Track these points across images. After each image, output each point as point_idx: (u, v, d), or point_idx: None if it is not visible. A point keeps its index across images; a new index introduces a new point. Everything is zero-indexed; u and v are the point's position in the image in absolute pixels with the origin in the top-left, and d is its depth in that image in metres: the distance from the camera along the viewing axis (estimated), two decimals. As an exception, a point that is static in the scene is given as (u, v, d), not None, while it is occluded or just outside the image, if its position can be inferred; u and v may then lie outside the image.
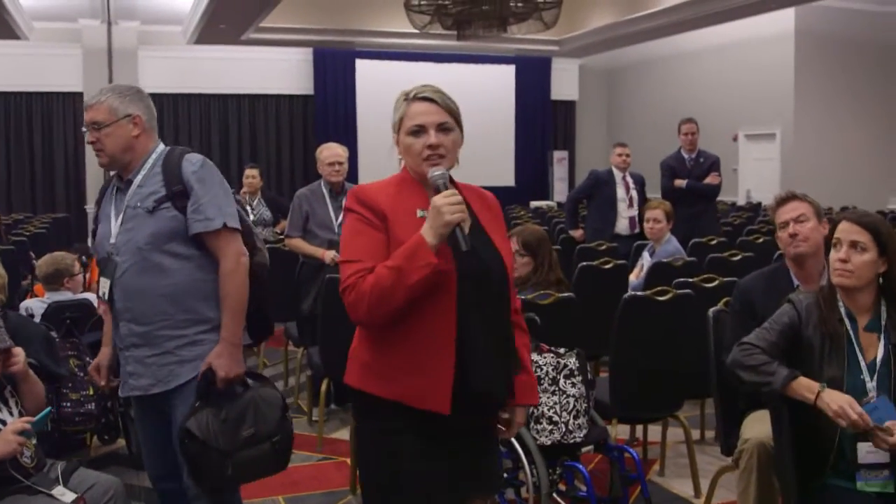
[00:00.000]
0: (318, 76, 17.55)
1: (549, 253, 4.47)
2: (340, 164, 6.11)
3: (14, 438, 2.97)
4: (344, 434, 5.66)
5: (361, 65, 17.77)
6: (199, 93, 16.81)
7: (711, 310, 3.91)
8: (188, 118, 16.90)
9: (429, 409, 2.40)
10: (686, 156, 8.61)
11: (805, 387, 2.91)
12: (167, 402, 3.17)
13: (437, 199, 2.36)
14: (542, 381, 3.71)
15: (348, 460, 5.06)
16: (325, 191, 6.15)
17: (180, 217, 3.09)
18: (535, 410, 3.69)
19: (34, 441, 3.17)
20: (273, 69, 17.31)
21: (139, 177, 3.18)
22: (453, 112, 2.60)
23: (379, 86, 17.46)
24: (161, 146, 3.29)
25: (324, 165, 6.14)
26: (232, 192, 3.26)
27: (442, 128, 2.55)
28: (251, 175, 9.10)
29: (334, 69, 17.60)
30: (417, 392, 2.42)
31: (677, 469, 4.96)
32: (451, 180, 2.55)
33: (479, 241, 2.52)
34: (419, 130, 2.54)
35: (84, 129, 3.23)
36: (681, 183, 8.38)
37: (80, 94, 16.03)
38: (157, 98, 16.69)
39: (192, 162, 3.14)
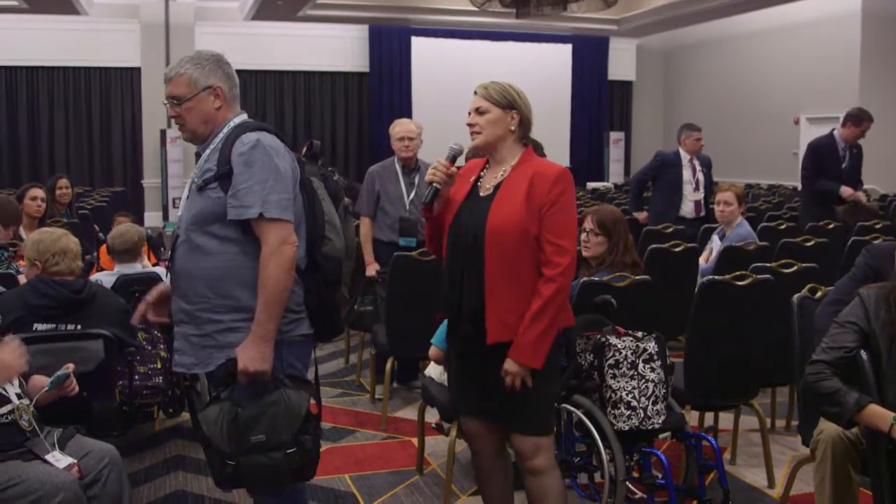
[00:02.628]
0: (373, 53, 17.52)
1: (624, 234, 4.36)
2: (411, 139, 6.02)
3: (19, 351, 3.15)
4: (408, 413, 5.61)
5: (417, 42, 17.70)
6: (255, 69, 16.82)
7: (796, 296, 3.79)
8: (244, 95, 16.72)
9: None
10: (841, 143, 8.05)
11: (877, 416, 2.86)
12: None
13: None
14: (620, 365, 3.62)
15: (413, 440, 5.02)
16: (397, 167, 6.07)
17: (224, 199, 2.90)
18: (613, 395, 3.60)
19: (32, 408, 3.21)
20: (329, 46, 17.31)
21: (207, 151, 3.05)
22: (491, 98, 3.26)
23: (434, 63, 17.45)
24: (238, 118, 3.10)
25: (395, 141, 6.06)
26: (320, 174, 3.17)
27: (478, 112, 3.27)
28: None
29: (390, 46, 17.55)
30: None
31: (748, 458, 4.85)
32: (529, 153, 3.31)
33: (483, 205, 3.22)
34: (468, 115, 3.31)
35: (164, 102, 3.10)
36: (854, 195, 7.96)
37: (138, 70, 16.19)
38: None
39: (244, 142, 2.91)
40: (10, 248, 5.23)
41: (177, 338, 3.04)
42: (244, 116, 3.14)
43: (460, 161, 3.35)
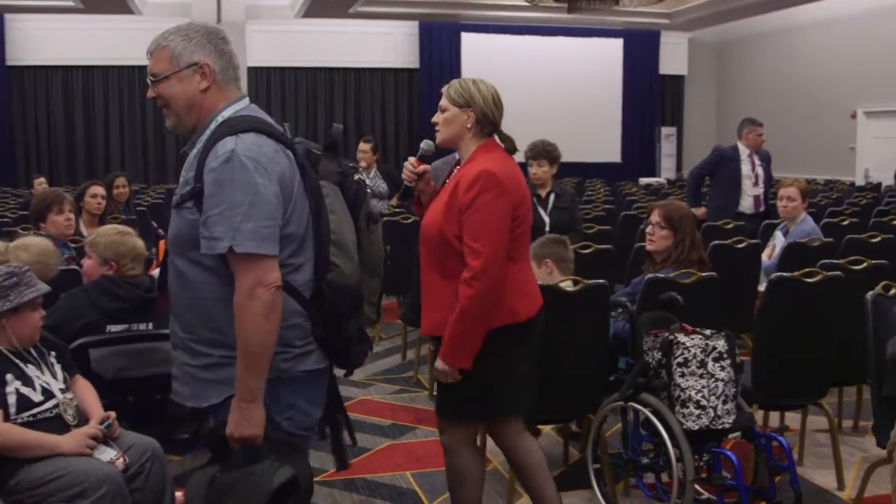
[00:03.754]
0: (423, 49, 17.54)
1: (691, 231, 4.30)
2: None
3: (85, 442, 3.03)
4: (467, 411, 5.57)
5: (467, 38, 17.68)
6: (306, 66, 16.92)
7: (870, 294, 3.70)
8: (294, 92, 17.04)
9: None
10: None
11: None
12: None
13: None
14: (689, 364, 3.55)
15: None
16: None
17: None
18: (682, 394, 3.54)
19: (73, 401, 3.19)
20: (379, 42, 17.34)
21: (193, 150, 2.53)
22: (450, 97, 3.31)
23: (484, 59, 17.38)
24: (231, 108, 2.55)
25: None
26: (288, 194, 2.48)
27: (440, 110, 3.35)
28: (363, 150, 9.06)
29: (440, 42, 17.54)
30: None
31: (815, 459, 4.74)
32: (485, 149, 3.33)
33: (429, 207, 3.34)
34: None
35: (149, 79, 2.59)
36: None
37: (191, 68, 16.24)
38: (264, 71, 17.17)
39: (217, 154, 2.38)
40: (72, 245, 5.26)
41: (174, 363, 2.62)
42: (241, 104, 2.58)
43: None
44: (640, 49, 18.67)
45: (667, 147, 18.90)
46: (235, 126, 2.45)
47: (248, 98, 2.64)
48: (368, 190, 8.40)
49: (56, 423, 3.09)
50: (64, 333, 3.53)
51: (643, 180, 15.87)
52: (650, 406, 3.62)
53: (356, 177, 2.71)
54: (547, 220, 5.90)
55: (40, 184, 10.85)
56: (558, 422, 4.62)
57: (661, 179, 16.72)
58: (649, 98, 18.96)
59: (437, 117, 3.36)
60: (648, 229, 4.39)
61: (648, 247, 4.40)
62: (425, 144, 3.38)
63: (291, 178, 2.50)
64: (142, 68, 13.79)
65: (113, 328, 3.59)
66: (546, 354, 3.96)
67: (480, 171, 3.19)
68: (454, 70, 17.52)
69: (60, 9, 14.97)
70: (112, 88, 16.44)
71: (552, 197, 5.99)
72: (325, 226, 2.57)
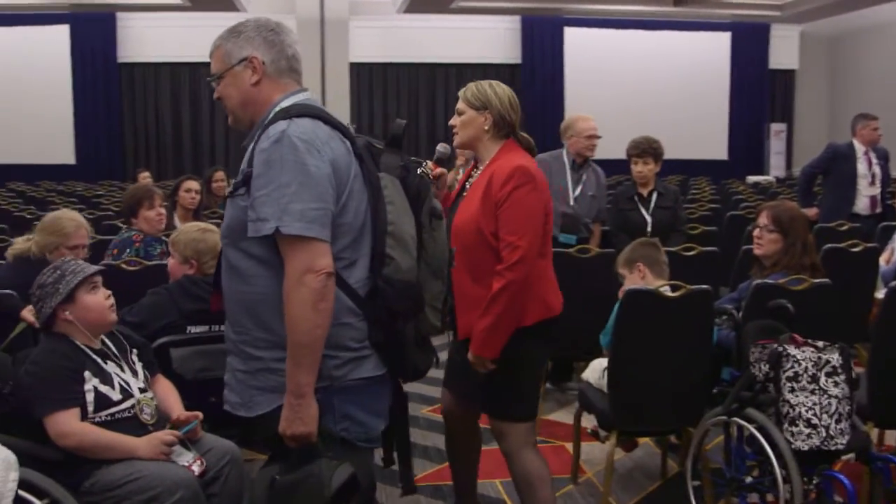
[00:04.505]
0: (525, 45, 17.29)
1: (803, 234, 4.05)
2: (599, 138, 5.80)
3: (161, 448, 2.97)
4: (561, 416, 5.41)
5: (570, 33, 17.37)
6: (408, 62, 16.89)
7: None
8: (396, 88, 17.04)
9: None
10: None
11: None
12: None
13: None
14: (799, 378, 3.31)
15: (567, 445, 4.81)
16: (566, 160, 5.82)
17: None
18: (791, 410, 3.30)
19: (153, 400, 3.14)
20: (481, 38, 17.16)
21: (252, 144, 2.45)
22: (466, 100, 3.39)
23: (588, 54, 17.14)
24: (288, 100, 2.47)
25: (580, 137, 5.78)
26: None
27: (457, 113, 3.42)
28: (463, 147, 8.95)
29: (542, 37, 17.27)
30: None
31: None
32: (507, 150, 3.39)
33: (455, 206, 3.40)
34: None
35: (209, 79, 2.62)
36: None
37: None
38: (367, 67, 17.21)
39: (269, 136, 2.32)
40: (164, 239, 5.26)
41: (227, 369, 2.55)
42: (300, 96, 2.51)
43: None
44: (749, 42, 18.04)
45: (776, 144, 18.24)
46: (290, 112, 2.38)
47: (309, 91, 2.57)
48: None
49: (134, 423, 3.05)
50: (147, 331, 3.51)
51: (751, 178, 15.35)
52: (756, 422, 3.39)
53: (419, 171, 2.57)
54: (649, 219, 5.71)
55: (144, 178, 11.04)
56: (657, 434, 4.42)
57: (770, 178, 16.16)
58: (758, 93, 18.31)
59: (455, 120, 3.43)
60: (756, 232, 4.16)
61: (756, 251, 4.16)
62: (441, 147, 3.34)
63: (347, 166, 2.40)
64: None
65: (194, 329, 3.54)
66: (645, 363, 3.79)
67: (515, 167, 3.25)
68: (556, 65, 17.29)
69: (169, 7, 15.25)
70: (218, 85, 16.70)
71: (654, 195, 5.79)
72: (382, 216, 2.44)
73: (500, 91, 3.38)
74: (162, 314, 3.59)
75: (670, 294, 3.76)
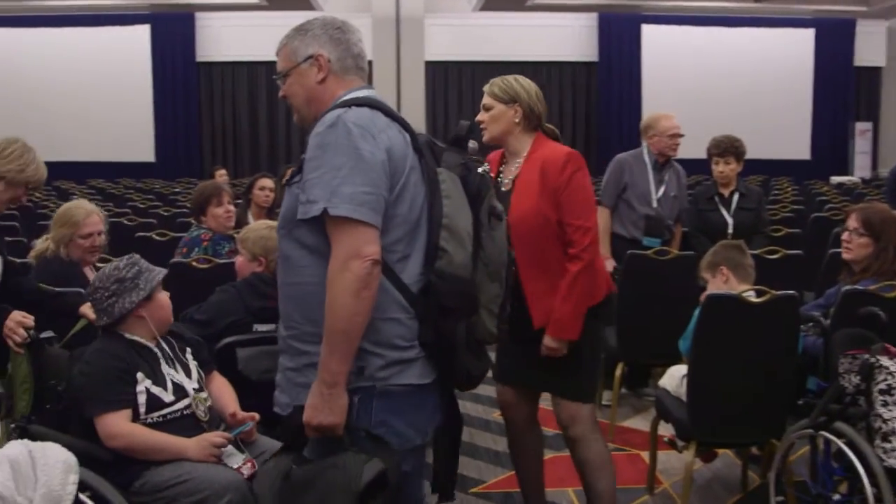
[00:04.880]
0: (602, 42, 17.11)
1: (894, 237, 3.85)
2: (682, 136, 5.62)
3: (211, 450, 2.92)
4: (637, 423, 5.26)
5: (648, 30, 17.14)
6: (483, 60, 16.79)
7: None
8: (472, 86, 16.94)
9: None
10: None
11: None
12: None
13: None
14: (893, 392, 3.12)
15: (643, 453, 4.67)
16: (647, 160, 5.65)
17: None
18: (884, 425, 3.12)
19: (207, 400, 3.10)
20: (557, 35, 17.04)
21: None
22: (494, 94, 3.45)
23: (665, 52, 16.93)
24: (352, 94, 2.42)
25: (662, 136, 5.60)
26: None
27: (485, 109, 3.48)
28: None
29: (619, 34, 17.07)
30: None
31: None
32: (538, 141, 3.47)
33: (508, 199, 3.32)
34: None
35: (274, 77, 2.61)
36: None
37: (370, 63, 16.40)
38: (442, 65, 17.21)
39: (324, 122, 2.29)
40: (233, 237, 5.25)
41: (279, 369, 2.47)
42: (364, 92, 2.45)
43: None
44: (833, 39, 17.54)
45: (861, 144, 17.72)
46: (349, 101, 2.34)
47: (373, 89, 2.51)
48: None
49: (188, 422, 3.01)
50: (213, 329, 3.48)
51: (835, 179, 14.92)
52: (845, 437, 3.21)
53: (480, 169, 2.46)
54: (730, 220, 5.51)
55: (221, 175, 11.12)
56: (738, 446, 4.25)
57: (855, 178, 15.69)
58: (843, 91, 17.79)
59: (482, 116, 3.47)
60: (845, 236, 3.97)
61: (845, 255, 3.97)
62: (471, 145, 3.23)
63: (404, 157, 2.34)
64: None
65: (260, 328, 3.48)
66: (726, 372, 3.64)
67: (568, 152, 3.39)
68: (634, 63, 17.05)
69: (246, 6, 15.43)
70: (294, 83, 16.83)
71: (736, 196, 5.58)
72: (438, 209, 2.35)
73: (526, 84, 3.47)
74: (229, 312, 3.55)
75: (754, 299, 3.59)
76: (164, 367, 3.07)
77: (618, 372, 5.02)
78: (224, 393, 3.23)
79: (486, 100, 3.48)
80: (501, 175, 3.52)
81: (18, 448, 2.56)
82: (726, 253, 4.03)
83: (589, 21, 17.06)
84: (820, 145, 17.65)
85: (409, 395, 2.34)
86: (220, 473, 2.86)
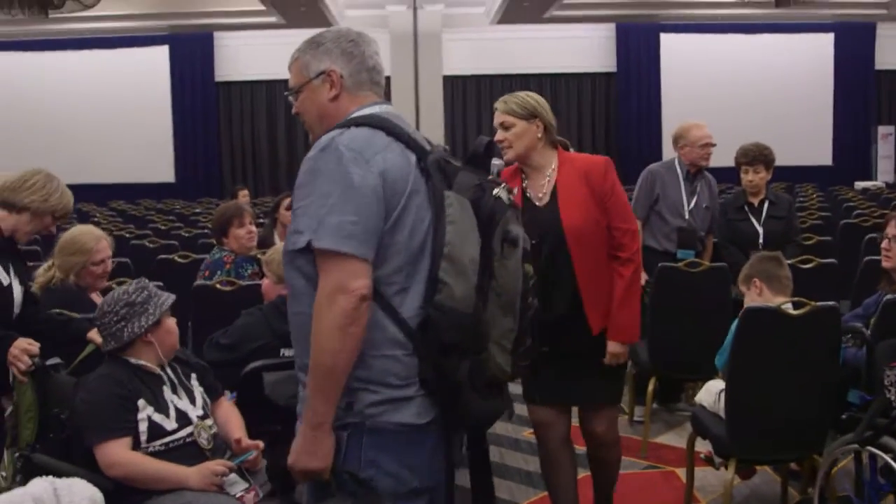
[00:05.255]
0: (620, 52, 17.05)
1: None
2: (714, 146, 5.50)
3: (212, 479, 2.87)
4: (671, 439, 5.15)
5: (666, 39, 17.05)
6: (501, 73, 16.78)
7: None
8: (490, 100, 16.81)
9: None
10: None
11: None
12: None
13: None
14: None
15: (678, 470, 4.57)
16: (679, 170, 5.53)
17: None
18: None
19: (212, 428, 3.06)
20: (575, 47, 16.99)
21: None
22: (513, 112, 3.44)
23: (684, 60, 16.85)
24: (361, 111, 2.26)
25: (693, 147, 5.47)
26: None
27: (504, 127, 3.46)
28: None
29: (637, 45, 17.01)
30: None
31: None
32: (560, 153, 3.53)
33: (549, 212, 3.41)
34: (495, 131, 3.47)
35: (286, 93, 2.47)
36: None
37: (388, 79, 16.47)
38: (460, 80, 17.20)
39: (317, 144, 2.15)
40: (257, 259, 5.19)
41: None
42: (375, 108, 2.28)
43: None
44: (854, 43, 17.37)
45: (884, 148, 17.50)
46: (351, 121, 2.19)
47: (387, 104, 2.35)
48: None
49: (190, 450, 2.97)
50: (239, 353, 3.43)
51: (859, 184, 14.74)
52: (892, 451, 3.11)
53: (495, 191, 2.21)
54: (760, 230, 5.37)
55: (244, 195, 11.09)
56: (779, 462, 4.14)
57: (879, 183, 15.50)
58: (864, 95, 17.61)
59: (503, 135, 3.45)
60: (884, 244, 3.85)
61: (885, 263, 3.86)
62: (497, 161, 3.27)
63: (404, 179, 2.14)
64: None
65: (287, 352, 3.41)
66: (766, 386, 3.54)
67: (605, 159, 3.54)
68: (653, 73, 16.97)
69: (264, 25, 15.43)
70: (312, 101, 16.85)
71: (766, 205, 5.45)
72: (441, 236, 2.12)
73: (539, 98, 3.52)
74: (255, 336, 3.49)
75: (793, 312, 3.50)
76: (168, 394, 3.04)
77: (650, 387, 4.93)
78: (230, 419, 3.18)
79: (504, 118, 3.47)
80: (528, 192, 3.50)
81: (42, 485, 2.53)
82: (760, 265, 3.93)
83: (607, 32, 16.99)
84: (842, 150, 17.47)
85: (402, 435, 2.13)
86: (220, 502, 2.82)
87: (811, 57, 17.28)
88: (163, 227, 9.39)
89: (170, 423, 2.96)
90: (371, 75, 2.32)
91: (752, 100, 16.48)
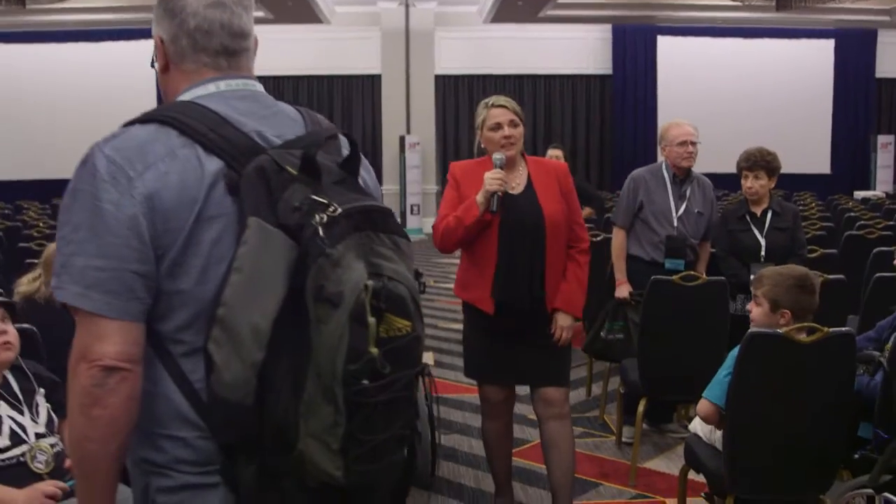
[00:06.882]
0: (616, 54, 16.74)
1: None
2: (693, 144, 5.06)
3: (41, 501, 2.64)
4: (661, 464, 4.76)
5: (663, 41, 16.78)
6: (494, 73, 16.47)
7: None
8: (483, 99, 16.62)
9: (482, 309, 3.73)
10: None
11: None
12: None
13: (486, 174, 3.63)
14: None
15: (669, 501, 4.21)
16: (666, 175, 5.15)
17: None
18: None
19: (55, 447, 2.80)
20: (570, 48, 16.68)
21: None
22: (518, 113, 3.80)
23: (681, 63, 16.58)
24: (188, 93, 1.69)
25: (672, 146, 5.08)
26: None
27: (513, 125, 3.76)
28: (554, 156, 8.35)
29: (634, 46, 16.71)
30: (477, 297, 3.76)
31: None
32: (523, 155, 3.88)
33: (526, 199, 3.75)
34: (497, 127, 3.75)
35: None
36: None
37: (378, 77, 16.25)
38: (452, 79, 16.87)
39: (82, 159, 1.60)
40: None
41: None
42: (202, 90, 1.69)
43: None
44: (854, 50, 17.10)
45: (884, 157, 17.21)
46: (144, 115, 1.62)
47: (230, 79, 1.71)
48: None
49: (22, 471, 2.70)
50: None
51: (859, 194, 14.44)
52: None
53: (317, 218, 1.47)
54: (762, 242, 4.98)
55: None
56: (782, 502, 3.76)
57: (879, 193, 15.20)
58: (864, 103, 17.34)
59: (511, 131, 3.75)
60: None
61: (903, 284, 3.50)
62: (500, 155, 3.74)
63: (189, 201, 1.54)
64: (331, 78, 14.15)
65: None
66: (770, 419, 3.17)
67: (562, 162, 4.28)
68: (649, 75, 16.67)
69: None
70: (301, 98, 16.44)
71: (769, 215, 5.06)
72: (216, 292, 1.50)
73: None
74: None
75: (804, 339, 3.11)
76: (3, 409, 2.75)
77: (640, 408, 4.56)
78: None
79: (513, 116, 3.77)
80: (517, 182, 3.84)
81: None
82: (798, 296, 3.29)
83: (603, 33, 16.68)
84: (840, 159, 17.21)
85: None
86: None
87: (811, 63, 17.01)
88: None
89: (1, 441, 2.70)
90: (194, 40, 1.70)
91: (750, 105, 16.21)
